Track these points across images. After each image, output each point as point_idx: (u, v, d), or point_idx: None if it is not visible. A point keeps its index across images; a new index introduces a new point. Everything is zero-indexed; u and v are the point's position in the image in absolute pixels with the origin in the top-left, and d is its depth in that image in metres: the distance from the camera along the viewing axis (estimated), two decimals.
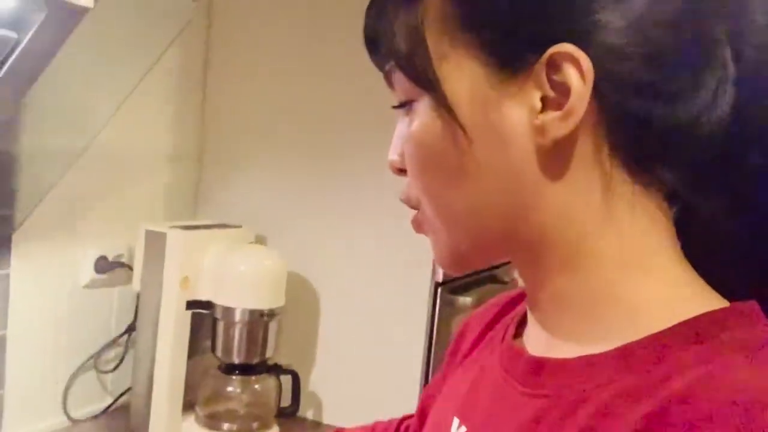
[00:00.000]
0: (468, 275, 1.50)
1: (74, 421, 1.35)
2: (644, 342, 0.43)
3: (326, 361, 1.47)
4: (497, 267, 1.67)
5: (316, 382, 1.47)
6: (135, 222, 1.37)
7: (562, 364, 0.47)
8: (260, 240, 1.49)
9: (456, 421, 0.56)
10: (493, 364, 0.56)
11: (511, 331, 0.57)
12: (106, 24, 1.04)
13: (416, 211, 0.54)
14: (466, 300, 1.42)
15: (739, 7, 0.45)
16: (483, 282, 1.59)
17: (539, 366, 0.49)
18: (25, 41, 0.79)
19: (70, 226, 1.32)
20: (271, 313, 1.33)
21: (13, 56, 0.80)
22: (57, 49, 0.82)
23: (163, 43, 1.26)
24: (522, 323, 0.58)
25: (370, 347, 1.42)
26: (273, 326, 1.35)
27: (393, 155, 0.54)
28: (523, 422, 0.47)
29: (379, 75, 1.38)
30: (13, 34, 0.78)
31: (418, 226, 0.54)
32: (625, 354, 0.44)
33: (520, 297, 0.64)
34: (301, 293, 1.45)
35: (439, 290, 1.38)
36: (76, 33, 0.90)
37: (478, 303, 1.40)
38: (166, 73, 1.47)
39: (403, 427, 0.79)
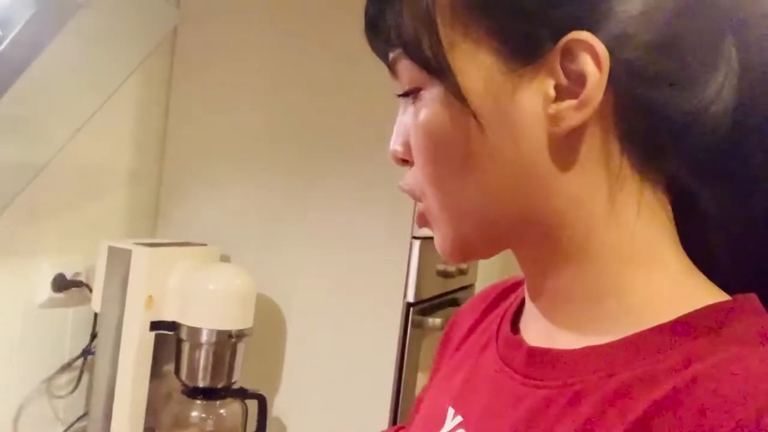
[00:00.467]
0: (436, 296, 1.48)
1: None
2: (652, 332, 0.43)
3: (294, 385, 1.42)
4: (460, 290, 1.66)
5: (283, 406, 1.42)
6: (93, 239, 1.31)
7: (566, 355, 0.47)
8: (224, 259, 1.45)
9: (451, 411, 0.55)
10: (489, 354, 0.55)
11: (508, 320, 0.57)
12: (80, 37, 0.99)
13: (421, 207, 0.53)
14: (435, 321, 1.41)
15: (747, 3, 0.46)
16: (448, 304, 1.58)
17: (540, 356, 0.49)
18: (9, 38, 0.74)
19: (26, 241, 1.24)
20: (240, 335, 1.28)
21: None
22: (44, 47, 0.77)
23: (137, 57, 1.22)
24: (518, 314, 0.57)
25: (338, 370, 1.39)
26: (241, 348, 1.30)
27: (395, 145, 0.53)
28: (525, 412, 0.46)
29: (342, 92, 1.38)
30: None
31: (423, 221, 0.53)
32: (631, 344, 0.44)
33: (514, 287, 0.63)
34: (266, 314, 1.41)
35: (411, 311, 1.36)
36: (48, 44, 0.85)
37: (446, 325, 1.38)
38: (129, 89, 1.42)
39: None
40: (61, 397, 1.33)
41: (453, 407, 0.55)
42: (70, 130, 1.15)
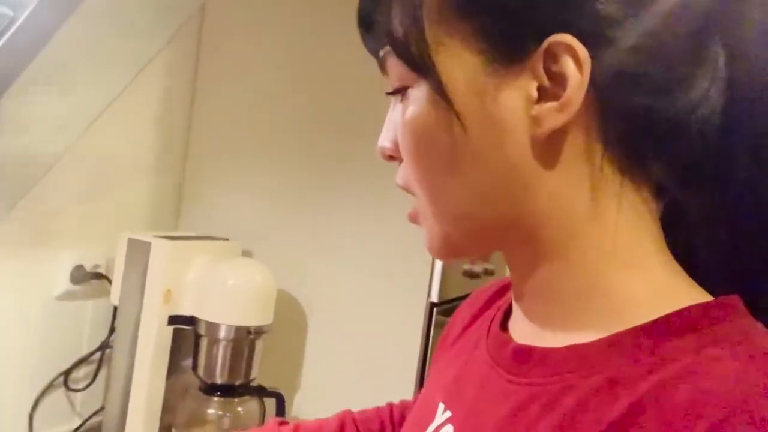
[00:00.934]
0: (461, 297, 1.44)
1: None
2: (631, 333, 0.44)
3: (313, 384, 1.39)
4: None
5: (301, 405, 1.39)
6: (114, 231, 1.29)
7: (549, 353, 0.48)
8: (246, 254, 1.42)
9: (441, 406, 0.56)
10: (480, 351, 0.57)
11: (498, 319, 0.58)
12: (98, 17, 0.97)
13: (414, 206, 0.54)
14: None
15: (734, 7, 0.46)
16: None
17: (526, 354, 0.50)
18: (22, 18, 0.71)
19: (45, 232, 1.23)
20: (259, 331, 1.25)
21: (7, 35, 0.72)
22: (55, 30, 0.75)
23: (160, 41, 1.19)
24: (509, 311, 0.58)
25: (359, 370, 1.35)
26: (259, 345, 1.28)
27: (384, 141, 0.54)
28: (509, 409, 0.47)
29: (367, 86, 1.34)
30: (8, 11, 0.71)
31: (415, 217, 0.54)
32: (611, 344, 0.44)
33: (509, 286, 0.64)
34: (287, 311, 1.38)
35: (434, 311, 1.32)
36: (64, 25, 0.83)
37: None
38: (154, 79, 1.40)
39: (397, 414, 0.82)
40: (78, 390, 1.31)
41: (443, 402, 0.57)
42: (89, 118, 1.13)
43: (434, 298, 1.31)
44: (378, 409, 0.84)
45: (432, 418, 0.56)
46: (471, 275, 1.46)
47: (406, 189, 0.53)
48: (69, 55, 0.91)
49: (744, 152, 0.46)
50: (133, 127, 1.39)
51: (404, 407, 0.83)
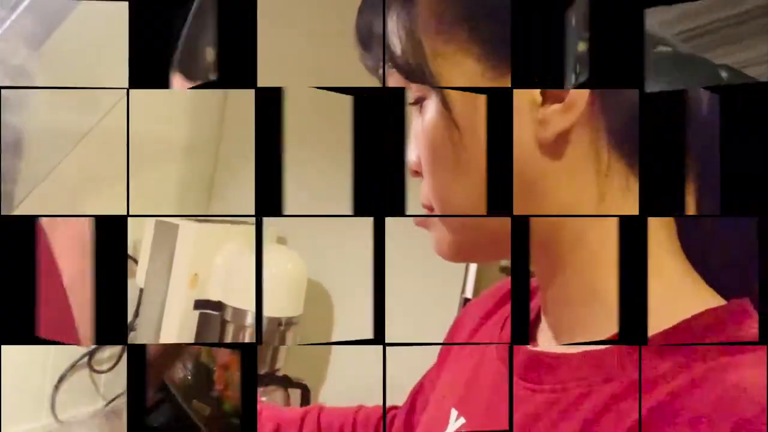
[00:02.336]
0: None
1: (62, 424, 1.23)
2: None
3: (339, 376, 1.36)
4: None
5: (326, 397, 1.36)
6: (142, 211, 1.26)
7: (564, 359, 0.47)
8: (280, 241, 1.39)
9: (454, 413, 0.56)
10: (491, 356, 0.56)
11: (508, 323, 0.58)
12: None
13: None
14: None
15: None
16: None
17: (539, 361, 0.49)
18: None
19: (71, 209, 1.20)
20: (289, 322, 1.22)
21: (22, 5, 0.68)
22: None
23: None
24: (538, 317, 0.57)
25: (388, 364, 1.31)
26: (288, 335, 1.24)
27: (412, 155, 0.53)
28: (524, 416, 0.47)
29: None
30: None
31: (422, 222, 0.54)
32: (628, 351, 0.44)
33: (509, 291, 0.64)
34: (316, 301, 1.34)
35: None
36: None
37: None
38: None
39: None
40: (101, 372, 1.29)
41: (456, 408, 0.56)
42: (120, 93, 1.09)
43: (469, 294, 1.27)
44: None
45: (445, 425, 0.56)
46: (508, 272, 1.40)
47: (430, 208, 0.52)
48: (94, 23, 0.87)
49: (750, 147, 0.45)
50: (166, 102, 1.36)
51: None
